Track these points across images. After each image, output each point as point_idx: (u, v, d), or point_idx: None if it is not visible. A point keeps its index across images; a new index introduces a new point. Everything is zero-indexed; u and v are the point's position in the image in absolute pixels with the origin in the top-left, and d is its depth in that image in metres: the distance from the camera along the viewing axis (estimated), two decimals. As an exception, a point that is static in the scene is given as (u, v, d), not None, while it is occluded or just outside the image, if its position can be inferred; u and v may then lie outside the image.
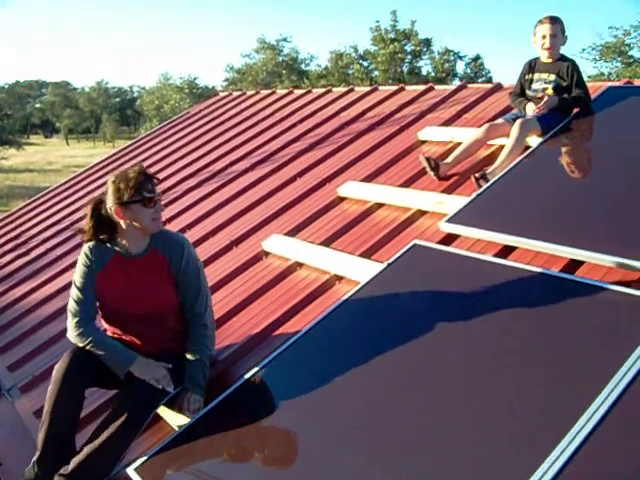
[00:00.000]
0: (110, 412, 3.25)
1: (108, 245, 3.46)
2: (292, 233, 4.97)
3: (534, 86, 5.03)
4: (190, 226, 6.10)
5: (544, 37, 4.90)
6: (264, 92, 10.19)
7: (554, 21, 4.90)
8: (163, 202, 6.57)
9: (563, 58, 4.96)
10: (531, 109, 4.87)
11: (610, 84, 5.56)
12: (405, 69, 33.42)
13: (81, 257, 3.47)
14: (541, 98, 4.88)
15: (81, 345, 3.32)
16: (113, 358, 3.33)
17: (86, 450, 3.14)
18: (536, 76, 5.03)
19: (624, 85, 5.54)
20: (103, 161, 10.43)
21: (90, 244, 3.47)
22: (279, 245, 4.82)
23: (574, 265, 3.45)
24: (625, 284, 3.12)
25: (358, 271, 4.03)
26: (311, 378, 3.25)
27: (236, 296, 4.47)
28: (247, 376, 3.42)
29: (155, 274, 3.46)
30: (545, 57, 4.97)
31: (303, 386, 3.21)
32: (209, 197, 6.69)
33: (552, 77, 4.93)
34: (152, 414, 3.31)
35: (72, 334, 3.37)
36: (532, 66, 5.08)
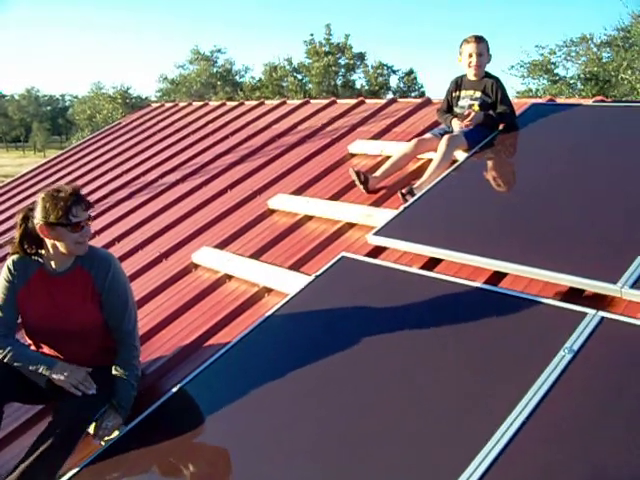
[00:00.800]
0: (45, 429, 3.17)
1: (33, 258, 3.39)
2: (222, 245, 4.96)
3: (461, 103, 5.16)
4: (120, 238, 6.03)
5: (470, 56, 5.04)
6: (197, 104, 10.17)
7: (479, 40, 5.04)
8: (93, 213, 6.52)
9: (488, 75, 5.11)
10: (457, 124, 4.99)
11: (533, 101, 5.74)
12: (339, 82, 33.64)
13: (3, 271, 3.39)
14: (468, 115, 5.01)
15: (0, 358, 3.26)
16: (33, 367, 3.27)
17: (18, 470, 3.04)
18: (463, 93, 5.16)
19: (546, 102, 5.72)
20: (33, 171, 10.23)
21: (14, 257, 3.39)
22: (208, 257, 4.81)
23: (498, 277, 3.54)
24: (545, 295, 3.22)
25: (287, 283, 4.05)
26: (239, 391, 3.24)
27: (165, 309, 4.45)
28: (175, 390, 3.41)
29: (78, 292, 3.38)
30: (471, 75, 5.11)
31: (231, 399, 3.21)
32: (139, 209, 6.64)
33: (478, 94, 5.07)
34: (86, 429, 3.25)
35: None
36: (458, 84, 5.22)
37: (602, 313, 2.92)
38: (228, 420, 3.11)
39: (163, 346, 4.06)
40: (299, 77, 34.26)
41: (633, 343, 2.73)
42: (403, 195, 4.55)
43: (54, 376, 3.25)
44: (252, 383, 3.25)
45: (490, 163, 4.80)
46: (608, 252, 3.37)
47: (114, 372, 3.37)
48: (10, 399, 3.38)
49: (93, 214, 6.64)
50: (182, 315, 4.33)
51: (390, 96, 31.32)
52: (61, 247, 3.29)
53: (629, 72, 20.68)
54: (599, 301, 3.13)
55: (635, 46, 21.34)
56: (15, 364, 3.26)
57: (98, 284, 3.38)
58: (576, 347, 2.75)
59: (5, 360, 3.25)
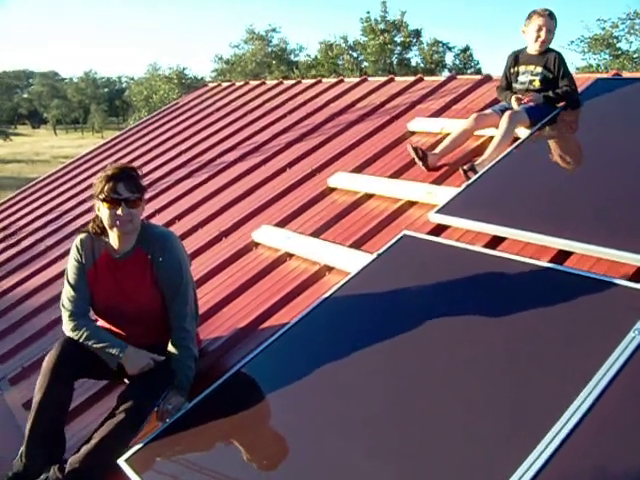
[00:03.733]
0: (112, 409, 3.22)
1: (102, 239, 3.41)
2: (282, 224, 4.97)
3: (521, 78, 5.03)
4: (180, 216, 6.09)
5: (540, 29, 4.87)
6: (253, 83, 10.18)
7: (552, 16, 4.90)
8: (153, 192, 6.60)
9: (549, 50, 4.96)
10: (514, 102, 4.88)
11: (598, 76, 5.58)
12: (395, 60, 33.33)
13: (72, 250, 3.43)
14: (527, 91, 4.92)
15: (75, 339, 3.31)
16: (105, 350, 3.31)
17: (85, 450, 3.12)
18: (522, 68, 5.03)
19: (612, 77, 5.56)
20: (92, 152, 10.39)
21: (81, 236, 3.42)
22: (269, 236, 4.82)
23: (563, 256, 3.46)
24: (613, 275, 3.15)
25: (348, 262, 4.03)
26: (300, 370, 3.25)
27: (226, 287, 4.47)
28: (235, 368, 3.42)
29: (139, 275, 3.39)
30: (534, 49, 4.96)
31: (292, 378, 3.21)
32: (199, 188, 6.68)
33: (539, 69, 4.93)
34: (152, 410, 3.29)
35: (66, 328, 3.35)
36: (517, 58, 5.08)
37: (674, 294, 2.84)
38: (289, 400, 3.11)
39: (224, 324, 4.09)
40: (355, 55, 34.06)
41: None
42: (465, 171, 4.47)
43: (125, 363, 3.31)
44: (313, 363, 3.25)
45: (553, 140, 4.70)
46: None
47: (170, 353, 3.39)
48: (81, 375, 3.44)
49: (153, 193, 6.75)
50: (243, 293, 4.35)
51: (446, 73, 30.97)
52: (106, 224, 3.32)
53: (696, 45, 20.10)
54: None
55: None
56: (88, 344, 3.31)
57: (155, 264, 3.38)
58: (647, 328, 2.68)
59: (80, 340, 3.30)
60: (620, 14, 24.07)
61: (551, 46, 5.00)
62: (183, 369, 3.36)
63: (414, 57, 34.27)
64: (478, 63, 34.54)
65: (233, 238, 5.20)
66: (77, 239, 3.44)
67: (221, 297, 4.35)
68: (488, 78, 6.47)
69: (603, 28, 23.51)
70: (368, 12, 33.14)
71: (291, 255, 4.53)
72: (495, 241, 3.78)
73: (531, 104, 4.85)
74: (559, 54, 4.95)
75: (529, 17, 4.96)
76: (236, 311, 4.20)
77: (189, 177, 7.14)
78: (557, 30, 4.97)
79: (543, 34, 4.89)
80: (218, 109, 9.44)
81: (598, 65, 23.32)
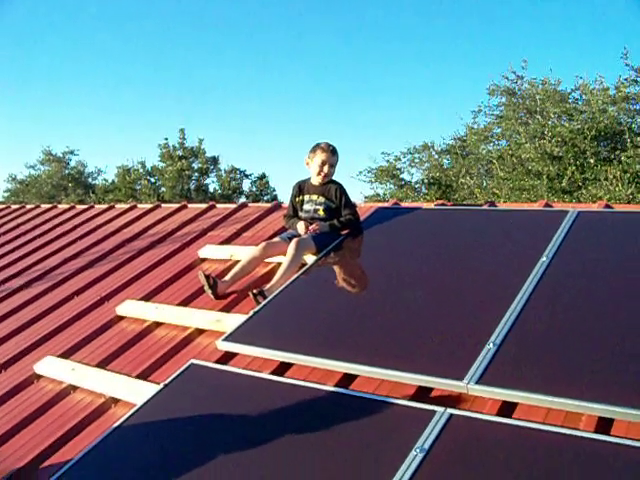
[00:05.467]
0: None
1: None
2: (67, 354, 4.77)
3: (305, 207, 5.31)
4: (-47, 349, 5.69)
5: (323, 164, 5.23)
6: (45, 206, 9.95)
7: (334, 152, 5.28)
8: None
9: (331, 181, 5.29)
10: (302, 228, 5.11)
11: (379, 205, 5.97)
12: (192, 186, 33.66)
13: None
14: (313, 219, 5.17)
15: None
16: None
17: None
18: (306, 197, 5.33)
19: (391, 206, 5.97)
20: None
21: None
22: (52, 367, 4.60)
23: (349, 379, 3.56)
24: (396, 395, 3.29)
25: (135, 393, 3.93)
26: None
27: (3, 424, 4.19)
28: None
29: None
30: (316, 181, 5.27)
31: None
32: (-22, 317, 6.30)
33: (322, 199, 5.24)
34: None
35: None
36: (302, 188, 5.38)
37: (450, 410, 3.00)
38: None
39: (1, 465, 3.81)
40: (153, 180, 34.07)
41: (480, 438, 2.82)
42: (254, 295, 4.56)
43: None
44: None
45: (338, 266, 4.93)
46: (454, 349, 3.48)
47: None
48: None
49: None
50: (22, 430, 4.10)
51: (243, 200, 31.65)
52: None
53: (467, 177, 21.99)
54: (448, 398, 3.20)
55: (471, 154, 22.80)
56: None
57: None
58: (427, 446, 2.80)
59: None
60: (402, 149, 25.78)
61: (339, 177, 5.36)
62: None
63: (212, 183, 34.75)
64: (275, 190, 35.52)
65: (13, 370, 4.91)
66: None
67: (-2, 435, 4.07)
68: (278, 206, 6.73)
69: (387, 161, 25.15)
70: (166, 139, 33.49)
71: (75, 387, 4.34)
72: (283, 367, 3.83)
73: (317, 232, 5.08)
74: (340, 185, 5.28)
75: (313, 150, 5.30)
76: (15, 449, 3.94)
77: (-32, 305, 6.74)
78: (346, 161, 5.36)
79: (326, 168, 5.23)
80: (5, 232, 9.10)
81: (385, 194, 24.71)
